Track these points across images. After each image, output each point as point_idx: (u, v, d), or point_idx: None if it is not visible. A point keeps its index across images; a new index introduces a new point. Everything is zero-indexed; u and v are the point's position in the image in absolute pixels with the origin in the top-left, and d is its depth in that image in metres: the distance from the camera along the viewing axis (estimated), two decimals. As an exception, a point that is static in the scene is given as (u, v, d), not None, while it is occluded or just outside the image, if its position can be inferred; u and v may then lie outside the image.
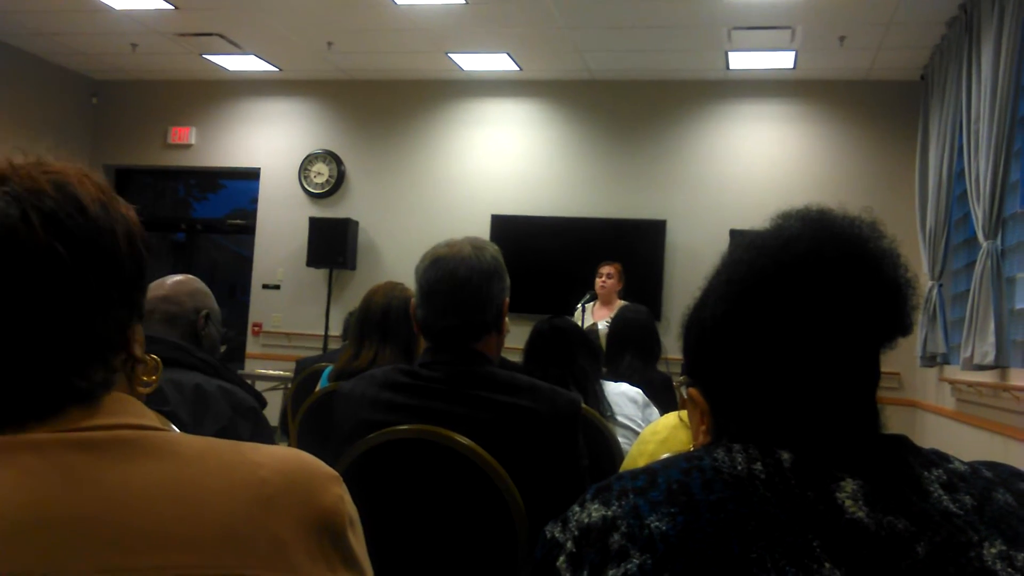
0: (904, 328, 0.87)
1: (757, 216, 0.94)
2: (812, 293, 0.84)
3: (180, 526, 0.71)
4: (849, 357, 0.85)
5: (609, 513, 0.80)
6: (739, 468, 0.80)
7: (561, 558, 0.80)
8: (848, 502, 0.76)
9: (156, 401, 1.80)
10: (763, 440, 0.82)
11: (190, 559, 0.70)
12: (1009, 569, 0.73)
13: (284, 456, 0.79)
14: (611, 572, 0.76)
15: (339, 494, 0.79)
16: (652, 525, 0.77)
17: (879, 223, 0.88)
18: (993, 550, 0.74)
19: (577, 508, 0.83)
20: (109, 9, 6.36)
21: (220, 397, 1.94)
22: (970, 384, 4.84)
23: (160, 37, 6.98)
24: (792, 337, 0.84)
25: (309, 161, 7.94)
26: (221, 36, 6.88)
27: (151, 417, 0.80)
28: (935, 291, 5.58)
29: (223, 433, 1.86)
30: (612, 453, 2.56)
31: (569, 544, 0.81)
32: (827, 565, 0.72)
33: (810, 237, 0.86)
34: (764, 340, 0.85)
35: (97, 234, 0.77)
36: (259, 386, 5.86)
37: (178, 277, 2.11)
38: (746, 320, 0.86)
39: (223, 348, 2.30)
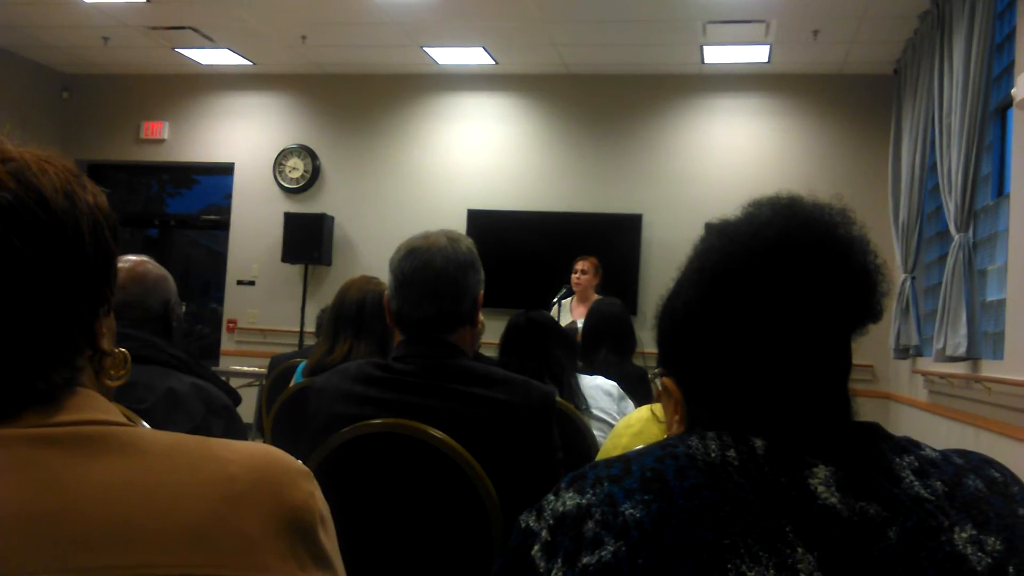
0: (874, 314, 0.87)
1: (733, 210, 0.94)
2: (782, 280, 0.84)
3: (145, 524, 0.68)
4: (820, 344, 0.85)
5: (584, 501, 0.80)
6: (713, 455, 0.79)
7: (536, 547, 0.80)
8: (820, 488, 0.76)
9: (129, 399, 1.77)
10: (736, 428, 0.82)
11: (156, 558, 0.67)
12: (979, 553, 0.73)
13: (253, 452, 0.77)
14: (585, 559, 0.75)
15: (310, 491, 0.77)
16: (626, 512, 0.76)
17: (849, 210, 0.89)
18: (964, 534, 0.74)
19: (552, 497, 0.83)
20: (80, 2, 6.28)
21: (193, 395, 1.91)
22: (942, 376, 4.89)
23: (132, 30, 6.89)
24: (763, 324, 0.84)
25: (284, 156, 7.88)
26: (194, 29, 6.80)
27: (115, 412, 0.77)
28: (908, 284, 5.63)
29: (196, 432, 1.82)
30: (587, 446, 2.56)
31: (544, 533, 0.80)
32: (800, 550, 0.73)
33: (780, 224, 0.86)
34: (735, 328, 0.85)
35: (59, 227, 0.73)
36: (234, 383, 5.81)
37: (130, 266, 1.98)
38: (717, 308, 0.86)
39: (196, 332, 2.22)
